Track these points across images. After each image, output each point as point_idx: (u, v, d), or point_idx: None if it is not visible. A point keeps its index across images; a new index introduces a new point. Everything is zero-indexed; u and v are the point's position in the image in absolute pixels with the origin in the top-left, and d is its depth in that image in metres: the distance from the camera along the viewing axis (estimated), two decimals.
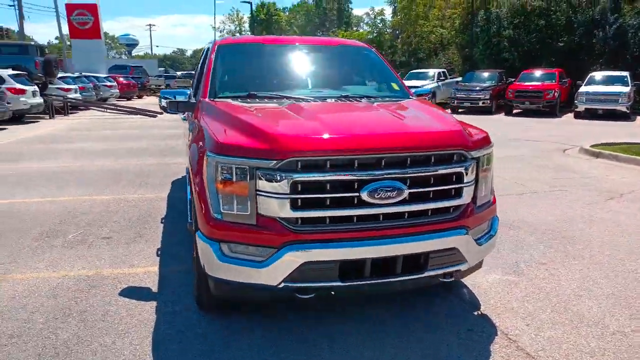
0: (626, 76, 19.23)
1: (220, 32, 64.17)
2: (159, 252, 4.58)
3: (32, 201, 6.43)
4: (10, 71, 16.96)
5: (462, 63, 31.23)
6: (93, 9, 34.68)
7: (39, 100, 17.47)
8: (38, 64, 19.02)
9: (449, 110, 22.41)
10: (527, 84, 20.87)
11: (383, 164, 2.74)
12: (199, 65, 4.91)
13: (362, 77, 4.56)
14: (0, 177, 7.95)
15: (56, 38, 34.64)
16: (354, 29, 55.70)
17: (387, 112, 3.33)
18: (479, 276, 4.03)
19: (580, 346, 3.02)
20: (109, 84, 27.57)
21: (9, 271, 4.13)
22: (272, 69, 4.32)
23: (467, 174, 2.95)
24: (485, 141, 3.17)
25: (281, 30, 57.58)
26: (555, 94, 20.05)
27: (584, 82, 19.80)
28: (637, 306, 3.54)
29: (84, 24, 34.17)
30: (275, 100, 3.64)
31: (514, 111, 21.06)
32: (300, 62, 4.43)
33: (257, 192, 2.70)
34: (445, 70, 27.10)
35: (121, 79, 30.05)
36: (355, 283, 2.83)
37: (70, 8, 34.45)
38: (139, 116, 18.75)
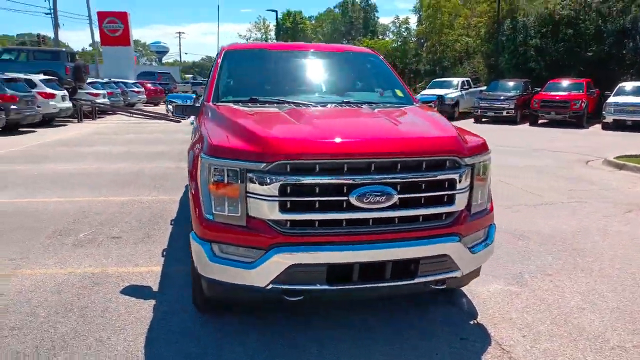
0: None
1: (247, 40, 65.02)
2: (164, 253, 4.67)
3: (51, 201, 6.64)
4: (42, 76, 17.58)
5: (487, 72, 30.86)
6: (123, 17, 35.72)
7: (68, 104, 18.04)
8: (68, 70, 19.66)
9: (471, 120, 22.18)
10: (553, 93, 20.47)
11: (373, 168, 2.74)
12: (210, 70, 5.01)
13: (367, 84, 4.57)
14: (24, 178, 8.24)
15: (90, 45, 35.68)
16: (380, 37, 55.64)
17: (383, 118, 3.33)
18: (480, 285, 3.97)
19: None
20: (136, 89, 28.26)
21: (20, 267, 4.27)
22: (276, 74, 4.38)
23: (460, 181, 2.92)
24: (481, 148, 3.14)
25: (306, 38, 57.96)
26: (583, 104, 19.59)
27: (613, 93, 19.27)
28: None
29: (114, 31, 35.22)
30: (276, 105, 3.69)
31: (539, 121, 20.67)
32: (305, 68, 4.47)
33: (248, 194, 2.74)
34: (469, 79, 26.82)
35: (149, 85, 30.78)
36: (343, 287, 2.82)
37: (101, 16, 35.57)
38: (163, 121, 19.15)
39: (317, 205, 2.73)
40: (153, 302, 3.65)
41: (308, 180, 2.68)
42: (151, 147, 12.27)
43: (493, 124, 20.67)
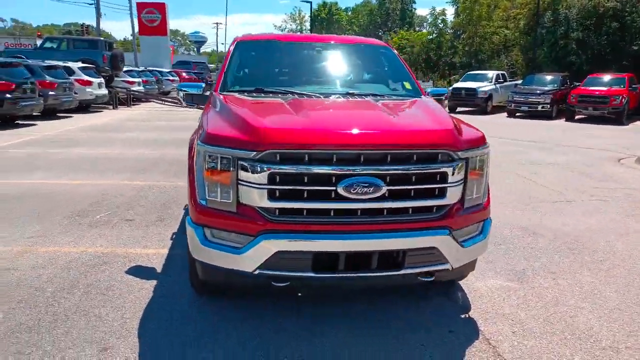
0: None
1: (282, 30, 65.25)
2: (173, 236, 4.82)
3: (74, 183, 6.93)
4: (80, 64, 18.22)
5: (525, 65, 29.99)
6: (161, 8, 36.53)
7: (104, 91, 18.65)
8: (105, 58, 20.30)
9: (504, 114, 21.65)
10: (592, 88, 19.69)
11: (362, 160, 2.76)
12: None
13: (375, 76, 4.54)
14: (53, 161, 8.61)
15: (131, 35, 36.65)
16: (417, 29, 54.75)
17: (381, 110, 3.32)
18: (479, 280, 3.95)
19: (562, 358, 2.89)
20: (171, 78, 28.89)
21: (36, 244, 4.51)
22: (284, 65, 4.42)
23: (452, 174, 2.90)
24: (477, 142, 3.10)
25: (341, 30, 57.69)
26: (623, 100, 18.78)
27: None
28: (638, 322, 3.33)
29: (152, 21, 36.07)
30: (280, 96, 3.72)
31: (577, 117, 19.98)
32: (314, 60, 4.49)
33: (239, 182, 2.80)
34: (504, 72, 26.12)
35: (183, 74, 31.41)
36: (328, 275, 2.87)
37: (140, 6, 36.50)
38: (194, 109, 19.53)
39: (305, 195, 2.77)
40: (155, 282, 3.79)
41: (296, 169, 2.73)
42: (179, 133, 12.54)
43: (527, 119, 20.12)
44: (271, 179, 2.73)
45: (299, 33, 59.12)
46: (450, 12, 43.21)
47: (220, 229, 2.91)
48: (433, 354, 2.91)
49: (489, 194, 3.31)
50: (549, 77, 22.45)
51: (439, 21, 38.06)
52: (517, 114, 21.43)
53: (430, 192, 2.90)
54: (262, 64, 4.44)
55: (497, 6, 33.14)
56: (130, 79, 22.11)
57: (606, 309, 3.52)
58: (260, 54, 4.53)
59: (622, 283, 3.98)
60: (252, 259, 2.80)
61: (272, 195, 2.77)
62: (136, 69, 25.40)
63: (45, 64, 15.81)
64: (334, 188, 2.74)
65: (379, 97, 3.84)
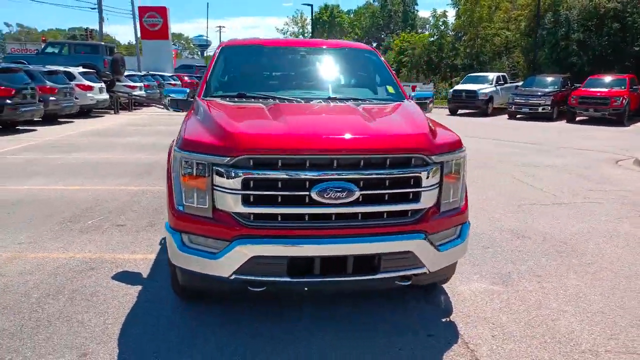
0: None
1: (284, 33, 65.47)
2: (162, 241, 4.85)
3: (70, 189, 6.98)
4: (81, 69, 18.34)
5: (526, 67, 29.92)
6: (163, 12, 36.74)
7: (105, 96, 18.75)
8: (106, 63, 20.43)
9: (505, 116, 21.60)
10: (593, 89, 19.62)
11: (335, 164, 2.78)
12: None
13: (359, 80, 4.56)
14: (52, 167, 8.68)
15: (136, 39, 36.81)
16: (419, 31, 54.78)
17: (360, 115, 3.34)
18: (463, 284, 3.95)
19: None
20: (173, 82, 28.99)
21: (26, 250, 4.55)
22: (269, 70, 4.45)
23: (427, 178, 2.91)
24: (453, 146, 3.11)
25: (343, 32, 57.80)
26: (624, 101, 18.71)
27: None
28: (623, 326, 3.32)
29: (154, 25, 36.29)
30: (261, 101, 3.75)
31: (577, 119, 19.92)
32: (298, 64, 4.51)
33: (214, 187, 2.83)
34: (505, 74, 26.09)
35: (185, 78, 31.51)
36: (304, 280, 2.88)
37: (142, 10, 36.75)
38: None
39: (279, 200, 2.79)
40: (140, 288, 3.82)
41: (270, 174, 2.75)
42: None
43: (528, 121, 20.08)
44: (245, 185, 2.75)
45: (299, 37, 59.29)
46: (451, 14, 43.15)
47: (197, 234, 2.94)
48: (409, 358, 2.92)
49: (466, 197, 3.31)
50: (549, 79, 22.41)
51: (440, 23, 37.98)
52: (518, 116, 21.39)
53: (405, 197, 2.91)
54: (247, 69, 4.47)
55: (498, 8, 33.12)
56: (132, 84, 22.22)
57: (589, 312, 3.51)
58: (244, 59, 4.56)
59: (607, 286, 3.97)
60: (227, 264, 2.82)
61: (246, 201, 2.79)
62: (138, 73, 25.53)
63: (46, 69, 15.94)
64: (307, 193, 2.76)
65: (360, 102, 3.86)
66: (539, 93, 21.01)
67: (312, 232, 2.83)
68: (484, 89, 23.08)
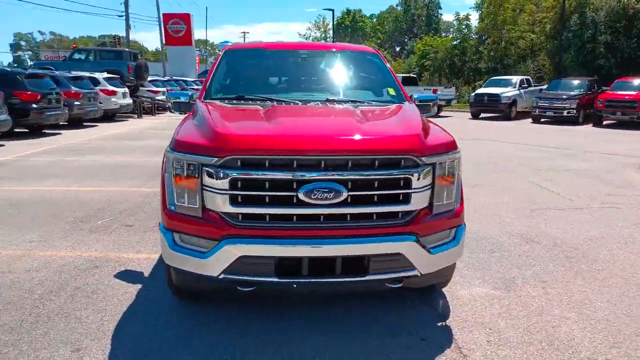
0: None
1: (306, 39, 65.77)
2: None
3: (85, 190, 7.15)
4: (105, 74, 18.81)
5: (552, 70, 29.34)
6: (186, 18, 37.41)
7: (128, 101, 19.18)
8: (130, 68, 20.91)
9: (529, 120, 21.18)
10: (620, 92, 19.10)
11: (323, 165, 2.76)
12: None
13: (360, 82, 4.53)
14: (71, 169, 8.91)
15: (162, 46, 37.61)
16: (443, 34, 54.30)
17: (354, 117, 3.32)
18: (464, 288, 3.88)
19: None
20: (196, 87, 29.41)
21: (35, 248, 4.67)
22: (269, 72, 4.48)
23: (418, 180, 2.87)
24: (446, 147, 3.05)
25: (365, 37, 57.75)
26: None
27: None
28: (627, 334, 3.20)
29: (177, 32, 36.98)
30: (259, 103, 3.77)
31: (604, 122, 19.43)
32: (299, 67, 4.52)
33: (204, 187, 2.85)
34: (529, 77, 25.61)
35: None
36: (291, 280, 2.87)
37: (166, 17, 37.49)
38: None
39: (267, 200, 2.80)
40: (140, 286, 3.87)
41: (257, 175, 2.75)
42: None
43: (552, 125, 19.65)
44: (233, 185, 2.76)
45: (320, 42, 59.36)
46: (474, 17, 42.70)
47: (188, 233, 2.96)
48: None
49: (462, 199, 3.25)
50: (575, 82, 21.92)
51: (463, 26, 37.58)
52: (542, 120, 20.99)
53: (394, 198, 2.87)
54: (248, 72, 4.51)
55: (522, 10, 32.60)
56: (155, 89, 22.68)
57: (593, 320, 3.39)
58: (246, 62, 4.60)
59: (616, 293, 3.84)
60: (216, 263, 2.83)
61: (234, 201, 2.80)
62: (161, 78, 26.03)
63: (72, 75, 16.40)
64: (295, 194, 2.75)
65: (358, 104, 3.84)
66: (564, 96, 20.56)
67: (300, 233, 2.82)
68: (507, 92, 22.72)
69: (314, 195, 2.74)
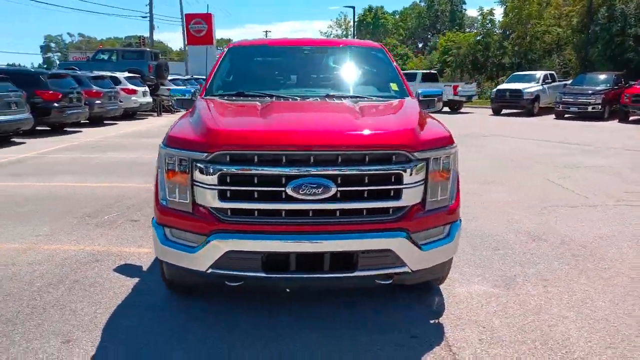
0: None
1: (327, 36, 65.67)
2: None
3: (97, 186, 7.28)
4: (126, 74, 19.15)
5: (579, 65, 28.56)
6: (208, 18, 37.81)
7: (148, 99, 19.50)
8: (151, 68, 21.24)
9: (552, 116, 20.68)
10: None
11: (312, 161, 2.73)
12: None
13: (363, 77, 4.45)
14: (87, 165, 9.11)
15: (184, 45, 38.06)
16: (468, 30, 53.45)
17: (348, 112, 3.28)
18: (462, 285, 3.80)
19: None
20: None
21: (41, 242, 4.77)
22: (271, 69, 4.47)
23: (409, 175, 2.81)
24: (440, 142, 2.98)
25: (387, 34, 57.31)
26: None
27: None
28: (626, 335, 3.08)
29: (199, 31, 37.37)
30: (258, 99, 3.76)
31: (631, 118, 18.79)
32: (301, 63, 4.49)
33: (194, 182, 2.86)
34: (553, 72, 24.96)
35: None
36: (279, 276, 2.85)
37: (188, 18, 37.97)
38: None
39: (255, 195, 2.78)
40: (137, 280, 3.92)
41: (246, 170, 2.75)
42: None
43: (576, 121, 19.13)
44: (222, 180, 2.76)
45: (341, 39, 59.18)
46: (499, 12, 41.86)
47: (178, 228, 2.98)
48: (387, 359, 2.82)
49: (458, 195, 3.17)
50: (601, 77, 21.30)
51: (487, 21, 36.90)
52: (566, 116, 20.45)
53: (385, 194, 2.82)
54: (250, 68, 4.51)
55: (548, 4, 31.81)
56: (175, 87, 22.96)
57: (592, 319, 3.28)
58: (249, 59, 4.60)
59: (620, 293, 3.70)
60: (204, 258, 2.84)
61: (223, 196, 2.80)
62: (181, 77, 26.36)
63: (93, 75, 16.75)
64: (283, 189, 2.73)
65: (358, 99, 3.80)
66: (589, 91, 19.99)
67: (288, 228, 2.80)
68: (530, 87, 22.23)
69: (302, 191, 2.71)
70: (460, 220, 3.22)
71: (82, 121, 15.36)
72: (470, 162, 9.49)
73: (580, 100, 19.87)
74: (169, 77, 23.20)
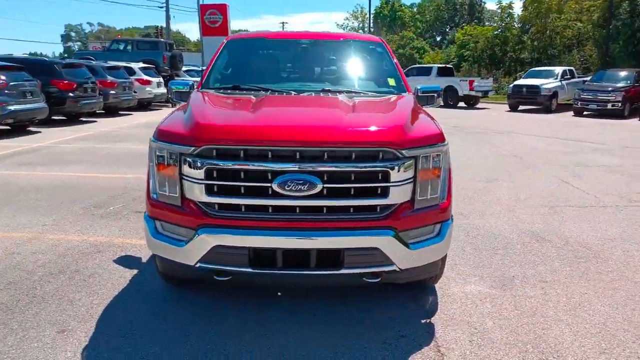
0: None
1: (344, 29, 65.25)
2: None
3: (107, 176, 7.38)
4: (141, 64, 19.30)
5: (600, 61, 27.95)
6: (223, 9, 37.67)
7: (162, 90, 19.62)
8: (165, 58, 21.37)
9: (570, 113, 20.29)
10: None
11: (298, 157, 2.73)
12: None
13: (360, 72, 4.43)
14: (98, 155, 9.23)
15: (201, 36, 38.18)
16: (487, 24, 52.61)
17: (339, 108, 3.26)
18: (458, 285, 3.77)
19: None
20: None
21: (46, 232, 4.86)
22: (268, 62, 4.46)
23: (397, 173, 2.79)
24: (429, 140, 2.94)
25: (404, 26, 56.70)
26: None
27: None
28: (622, 340, 3.02)
29: (214, 22, 37.30)
30: (253, 92, 3.76)
31: None
32: (298, 57, 4.48)
33: (182, 176, 2.88)
34: (572, 68, 24.44)
35: None
36: (265, 271, 2.86)
37: (203, 8, 37.86)
38: None
39: (242, 191, 2.79)
40: (135, 271, 3.97)
41: (232, 165, 2.75)
42: None
43: (595, 118, 18.74)
44: (208, 174, 2.78)
45: (358, 32, 58.72)
46: (518, 5, 41.06)
47: (168, 222, 3.00)
48: (373, 358, 2.82)
49: (450, 194, 3.13)
50: (622, 73, 20.79)
51: (505, 15, 36.26)
52: (585, 113, 20.03)
53: (372, 191, 2.81)
54: (247, 61, 4.50)
55: None
56: (190, 78, 23.09)
57: (588, 324, 3.23)
58: (246, 52, 4.59)
59: (620, 297, 3.63)
60: (192, 252, 2.86)
61: (210, 190, 2.81)
62: (196, 68, 26.46)
63: (108, 65, 16.92)
64: (269, 185, 2.73)
65: (353, 94, 3.77)
66: (609, 88, 19.54)
67: (274, 224, 2.80)
68: (548, 83, 21.82)
69: (287, 187, 2.71)
70: (452, 219, 3.18)
71: (97, 111, 15.56)
72: (478, 159, 9.39)
73: (599, 97, 19.44)
74: (184, 68, 23.35)
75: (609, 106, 19.23)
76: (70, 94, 13.34)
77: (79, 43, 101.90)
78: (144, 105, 18.99)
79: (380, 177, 2.79)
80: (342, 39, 4.70)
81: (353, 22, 65.77)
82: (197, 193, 2.83)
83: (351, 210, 2.82)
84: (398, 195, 2.83)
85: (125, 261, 4.17)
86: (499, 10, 38.24)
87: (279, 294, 3.51)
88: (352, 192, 2.79)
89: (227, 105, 3.52)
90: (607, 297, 3.62)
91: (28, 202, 5.91)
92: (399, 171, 2.79)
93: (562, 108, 21.95)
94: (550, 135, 13.53)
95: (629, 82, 19.87)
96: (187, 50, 50.51)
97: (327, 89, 3.89)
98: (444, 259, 3.36)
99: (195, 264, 2.88)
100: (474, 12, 59.12)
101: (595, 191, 6.92)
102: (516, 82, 23.59)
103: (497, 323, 3.22)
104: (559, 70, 23.39)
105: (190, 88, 4.39)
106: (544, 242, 4.77)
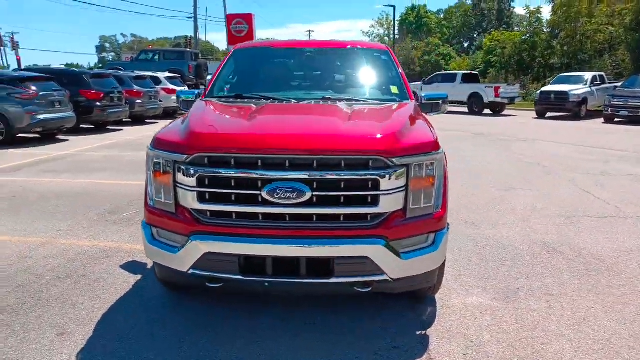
0: None
1: (369, 36, 65.27)
2: None
3: (125, 183, 7.56)
4: (167, 74, 19.75)
5: (632, 66, 27.06)
6: (249, 19, 38.30)
7: None
8: (191, 68, 21.82)
9: (600, 120, 19.70)
10: None
11: (287, 165, 2.74)
12: None
13: (363, 79, 4.42)
14: (121, 163, 9.47)
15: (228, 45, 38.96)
16: (516, 29, 51.76)
17: (335, 116, 3.27)
18: (459, 297, 3.70)
19: None
20: None
21: (60, 237, 5.01)
22: (272, 71, 4.50)
23: (388, 181, 2.76)
24: (423, 148, 2.91)
25: (429, 33, 56.31)
26: None
27: None
28: (625, 357, 2.90)
29: (240, 32, 37.91)
30: (254, 101, 3.80)
31: None
32: (302, 66, 4.51)
33: (176, 184, 2.93)
34: (602, 74, 23.74)
35: None
36: (256, 279, 2.87)
37: (230, 18, 38.57)
38: None
39: (232, 198, 2.82)
40: (139, 277, 4.04)
41: (223, 173, 2.79)
42: None
43: (626, 125, 18.12)
44: (200, 182, 2.82)
45: (384, 39, 58.58)
46: (546, 10, 40.25)
47: (163, 228, 3.06)
48: None
49: (445, 203, 3.07)
50: None
51: (534, 20, 35.56)
52: (616, 120, 19.40)
53: (362, 200, 2.79)
54: (252, 70, 4.56)
55: (600, 1, 30.30)
56: None
57: (591, 340, 3.11)
58: (252, 61, 4.65)
59: (630, 312, 3.49)
60: (185, 258, 2.90)
61: (202, 198, 2.85)
62: None
63: (135, 75, 17.38)
64: (259, 192, 2.75)
65: (353, 102, 3.77)
66: None
67: (264, 232, 2.82)
68: (577, 90, 21.24)
69: (276, 195, 2.72)
70: (448, 228, 3.13)
71: (123, 120, 15.98)
72: (498, 167, 9.21)
73: (630, 103, 18.81)
74: (209, 77, 23.76)
75: None
76: (98, 103, 13.75)
77: (112, 54, 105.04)
78: (170, 113, 19.36)
79: (370, 186, 2.77)
80: (348, 47, 4.71)
81: (379, 30, 65.68)
82: (190, 200, 2.88)
83: (341, 218, 2.81)
84: (389, 203, 2.80)
85: (131, 267, 4.26)
86: (527, 15, 37.56)
87: (271, 301, 3.52)
88: (342, 201, 2.78)
89: (224, 114, 3.57)
90: (615, 312, 3.49)
91: (48, 208, 6.10)
92: (389, 179, 2.77)
93: (592, 115, 21.32)
94: (577, 142, 13.16)
95: None
96: (216, 60, 51.32)
97: (327, 97, 3.90)
98: (442, 269, 3.31)
99: (188, 270, 2.92)
100: (502, 18, 58.23)
101: (617, 201, 6.69)
102: (544, 88, 23.07)
103: (494, 336, 3.14)
104: (588, 75, 22.76)
105: (196, 97, 4.48)
106: (555, 254, 4.63)
